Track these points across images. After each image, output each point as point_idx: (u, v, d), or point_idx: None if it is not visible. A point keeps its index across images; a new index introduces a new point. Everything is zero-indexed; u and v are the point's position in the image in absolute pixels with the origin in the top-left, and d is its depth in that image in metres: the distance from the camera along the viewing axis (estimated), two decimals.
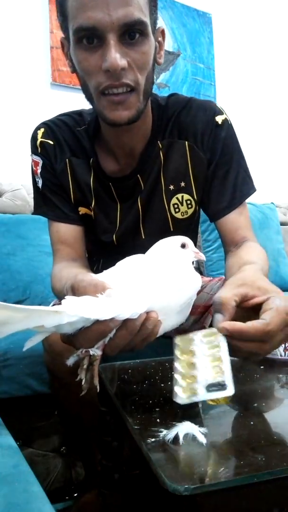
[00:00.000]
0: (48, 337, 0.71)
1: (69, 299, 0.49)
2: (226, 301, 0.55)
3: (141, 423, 0.52)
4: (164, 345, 1.16)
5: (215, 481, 0.39)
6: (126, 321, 0.49)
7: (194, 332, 0.58)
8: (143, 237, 0.92)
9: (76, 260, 0.90)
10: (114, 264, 0.61)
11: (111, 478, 0.79)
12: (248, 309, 0.72)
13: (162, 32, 0.81)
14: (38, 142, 0.89)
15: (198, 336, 0.57)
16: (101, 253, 0.99)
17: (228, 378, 0.50)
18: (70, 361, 0.52)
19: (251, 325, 0.52)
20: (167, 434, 0.47)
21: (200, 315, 0.97)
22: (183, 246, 0.62)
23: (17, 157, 1.83)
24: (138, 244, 0.90)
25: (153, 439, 0.47)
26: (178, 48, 2.29)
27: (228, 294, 0.56)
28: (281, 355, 0.78)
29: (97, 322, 0.47)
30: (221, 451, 0.46)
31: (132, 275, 0.56)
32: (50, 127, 0.90)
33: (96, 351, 0.50)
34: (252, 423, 0.52)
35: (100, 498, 0.90)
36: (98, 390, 0.53)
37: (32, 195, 1.68)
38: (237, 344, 0.53)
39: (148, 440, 0.47)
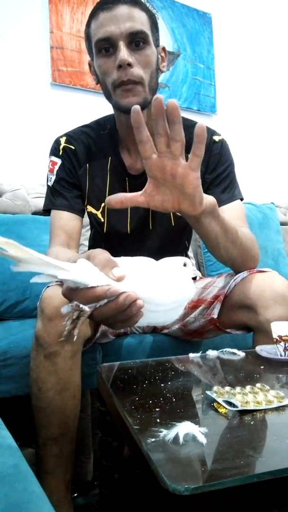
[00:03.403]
0: (42, 302, 0.82)
1: (81, 262, 0.59)
2: None
3: (141, 423, 0.52)
4: (164, 345, 1.16)
5: (215, 481, 0.39)
6: (117, 298, 0.56)
7: None
8: (151, 228, 1.06)
9: (71, 249, 0.99)
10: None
11: (111, 478, 0.79)
12: (238, 306, 0.91)
13: (163, 49, 1.00)
14: (61, 146, 1.04)
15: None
16: (111, 247, 1.03)
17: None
18: (64, 309, 0.59)
19: None
20: (167, 434, 0.47)
21: (209, 305, 1.02)
22: (184, 265, 0.67)
23: (17, 157, 1.83)
24: (146, 234, 1.06)
25: (153, 439, 0.47)
26: (178, 48, 2.29)
27: None
28: (281, 355, 0.78)
29: (96, 287, 0.55)
30: (221, 451, 0.46)
31: (139, 268, 0.63)
32: (72, 136, 1.05)
33: (86, 308, 0.57)
34: (252, 423, 0.52)
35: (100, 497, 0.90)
36: (74, 340, 0.60)
37: (32, 195, 1.69)
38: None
39: (148, 440, 0.47)
